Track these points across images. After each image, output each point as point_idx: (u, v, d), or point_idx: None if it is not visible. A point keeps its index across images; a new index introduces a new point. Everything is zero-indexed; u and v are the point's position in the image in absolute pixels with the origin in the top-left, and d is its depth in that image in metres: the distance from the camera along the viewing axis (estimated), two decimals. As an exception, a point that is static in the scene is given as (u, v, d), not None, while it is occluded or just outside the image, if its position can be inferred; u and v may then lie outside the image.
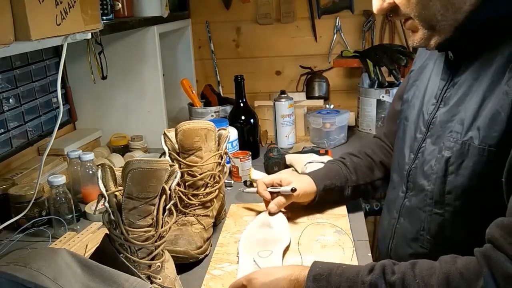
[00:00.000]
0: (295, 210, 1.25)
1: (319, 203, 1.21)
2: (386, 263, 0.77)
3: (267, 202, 1.21)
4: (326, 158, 1.46)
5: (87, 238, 1.18)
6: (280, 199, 1.19)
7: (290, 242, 1.09)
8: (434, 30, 0.86)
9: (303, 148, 1.72)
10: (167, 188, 0.87)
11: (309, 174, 1.24)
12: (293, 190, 1.16)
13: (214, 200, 1.17)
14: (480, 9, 0.82)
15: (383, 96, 1.86)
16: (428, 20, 0.85)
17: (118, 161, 1.60)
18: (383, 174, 1.23)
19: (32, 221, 1.24)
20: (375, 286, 0.74)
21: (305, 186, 1.19)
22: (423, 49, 1.09)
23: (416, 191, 0.96)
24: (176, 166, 0.91)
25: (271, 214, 1.19)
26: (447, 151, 0.87)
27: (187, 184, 1.14)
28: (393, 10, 0.89)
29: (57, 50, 1.64)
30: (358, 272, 0.78)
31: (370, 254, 1.04)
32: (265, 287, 0.83)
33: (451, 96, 0.91)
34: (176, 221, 1.11)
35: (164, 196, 0.87)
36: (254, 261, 1.01)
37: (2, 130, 1.42)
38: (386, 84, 1.88)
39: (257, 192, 1.22)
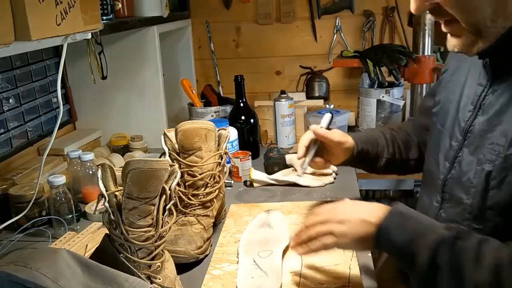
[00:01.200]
0: (295, 210, 1.26)
1: (350, 166, 1.27)
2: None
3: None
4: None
5: (87, 238, 1.18)
6: (319, 129, 1.16)
7: (289, 242, 1.09)
8: (480, 36, 0.80)
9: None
10: (167, 188, 0.87)
11: (349, 134, 1.21)
12: (331, 113, 1.19)
13: (214, 200, 1.16)
14: None
15: (383, 96, 1.86)
16: (476, 25, 0.78)
17: (118, 161, 1.60)
18: (418, 155, 1.20)
19: (32, 221, 1.24)
20: (438, 244, 0.77)
21: (344, 136, 1.17)
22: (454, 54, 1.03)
23: (453, 203, 0.91)
24: (176, 166, 0.91)
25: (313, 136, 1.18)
26: (488, 164, 0.83)
27: (187, 184, 1.14)
28: (434, 10, 0.81)
29: (57, 50, 1.64)
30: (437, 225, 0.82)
31: (370, 254, 1.04)
32: (348, 207, 0.90)
33: (490, 104, 0.86)
34: (176, 221, 1.11)
35: (164, 196, 0.87)
36: (254, 261, 1.01)
37: (2, 130, 1.42)
38: (386, 84, 1.88)
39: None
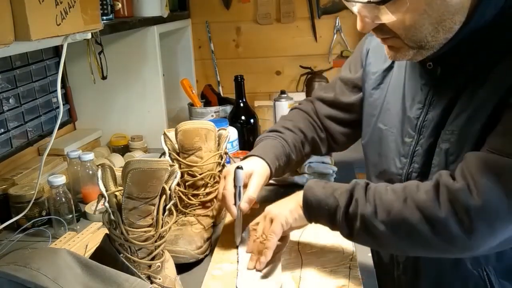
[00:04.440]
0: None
1: None
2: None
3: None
4: (326, 158, 1.45)
5: (87, 238, 1.18)
6: (246, 196, 1.06)
7: (288, 242, 1.09)
8: (422, 48, 0.86)
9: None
10: (167, 188, 0.87)
11: (259, 155, 1.14)
12: (240, 167, 1.06)
13: (214, 200, 1.16)
14: (465, 26, 0.84)
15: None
16: (418, 41, 0.85)
17: (118, 161, 1.60)
18: (310, 149, 1.25)
19: (32, 221, 1.24)
20: (354, 185, 0.91)
21: (263, 178, 1.11)
22: (377, 50, 1.10)
23: None
24: (176, 166, 0.91)
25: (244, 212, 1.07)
26: (445, 143, 0.90)
27: (187, 184, 1.14)
28: (378, 29, 0.87)
29: (57, 50, 1.64)
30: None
31: (370, 254, 1.04)
32: (277, 205, 1.00)
33: (439, 99, 0.92)
34: (176, 221, 1.11)
35: (164, 196, 0.87)
36: (254, 261, 1.01)
37: (2, 130, 1.42)
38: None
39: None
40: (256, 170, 1.09)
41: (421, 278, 1.01)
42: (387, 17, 0.81)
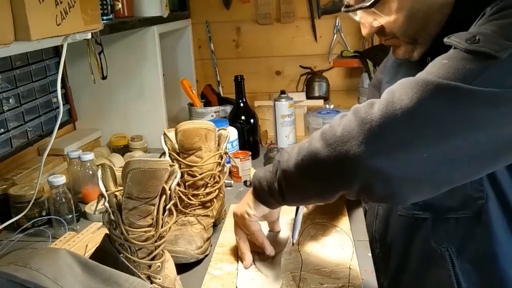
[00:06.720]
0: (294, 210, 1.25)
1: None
2: None
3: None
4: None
5: (87, 238, 1.18)
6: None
7: (288, 243, 1.09)
8: (416, 43, 0.93)
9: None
10: (167, 188, 0.87)
11: None
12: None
13: (214, 200, 1.17)
14: (450, 19, 0.89)
15: (383, 96, 1.86)
16: (411, 36, 0.92)
17: (118, 161, 1.60)
18: None
19: (32, 221, 1.24)
20: (281, 152, 0.91)
21: None
22: None
23: None
24: (176, 166, 0.91)
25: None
26: None
27: (187, 184, 1.14)
28: (379, 31, 0.95)
29: (57, 50, 1.64)
30: None
31: (370, 254, 1.04)
32: (238, 205, 1.02)
33: None
34: (176, 221, 1.11)
35: (164, 196, 0.87)
36: (254, 262, 1.01)
37: (2, 130, 1.42)
38: (386, 84, 1.88)
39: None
40: None
41: (391, 254, 1.06)
42: (382, 18, 0.91)
